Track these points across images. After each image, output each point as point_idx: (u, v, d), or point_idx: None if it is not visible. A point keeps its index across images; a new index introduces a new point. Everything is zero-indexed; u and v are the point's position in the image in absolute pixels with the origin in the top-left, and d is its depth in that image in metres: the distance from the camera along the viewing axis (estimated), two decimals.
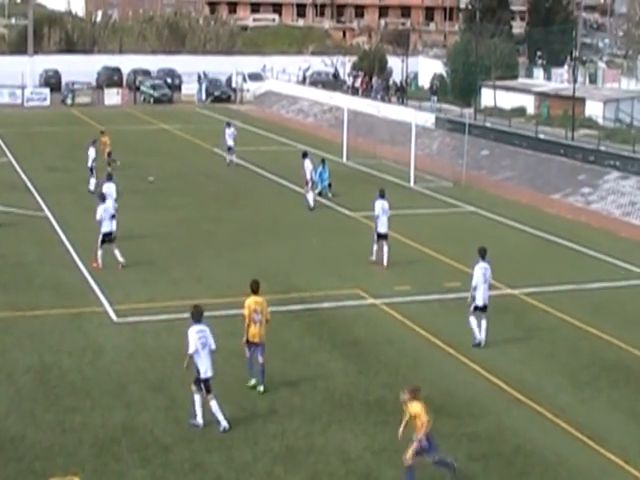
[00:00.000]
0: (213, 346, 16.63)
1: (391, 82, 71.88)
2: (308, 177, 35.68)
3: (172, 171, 43.44)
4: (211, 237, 31.05)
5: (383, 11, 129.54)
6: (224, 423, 16.51)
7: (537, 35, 77.02)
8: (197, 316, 16.78)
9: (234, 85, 78.73)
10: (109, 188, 29.90)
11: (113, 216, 27.59)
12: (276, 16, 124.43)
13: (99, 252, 26.55)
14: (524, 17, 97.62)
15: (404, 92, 67.62)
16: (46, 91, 72.76)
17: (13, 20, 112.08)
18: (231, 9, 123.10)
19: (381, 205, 27.60)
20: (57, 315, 22.66)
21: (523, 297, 25.09)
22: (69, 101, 72.01)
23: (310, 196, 35.52)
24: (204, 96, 75.95)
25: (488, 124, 51.37)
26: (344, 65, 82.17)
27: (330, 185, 38.35)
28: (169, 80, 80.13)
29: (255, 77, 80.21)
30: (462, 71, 66.15)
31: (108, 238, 26.71)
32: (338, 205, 36.49)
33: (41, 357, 19.94)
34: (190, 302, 19.22)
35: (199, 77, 78.40)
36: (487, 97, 63.11)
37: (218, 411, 16.56)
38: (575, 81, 55.07)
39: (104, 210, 26.71)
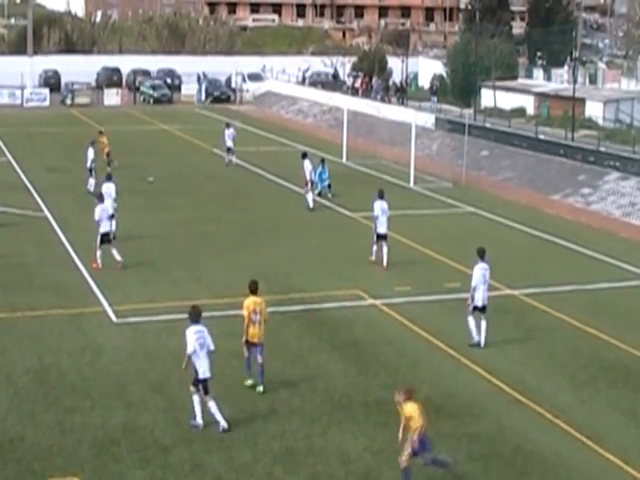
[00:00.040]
0: (212, 347, 16.63)
1: (391, 82, 71.90)
2: (308, 178, 35.68)
3: (172, 171, 43.43)
4: (211, 238, 31.04)
5: (383, 11, 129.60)
6: (223, 423, 16.51)
7: (537, 35, 77.03)
8: (195, 317, 16.78)
9: (234, 85, 78.70)
10: (108, 188, 29.86)
11: (112, 216, 27.59)
12: (276, 16, 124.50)
13: (98, 252, 26.54)
14: (524, 17, 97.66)
15: (404, 92, 67.64)
16: (45, 91, 72.73)
17: (12, 20, 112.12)
18: (231, 9, 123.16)
19: (380, 206, 27.59)
20: (57, 315, 22.65)
21: (523, 298, 25.08)
22: (69, 101, 71.97)
23: (310, 197, 35.51)
24: (204, 96, 75.93)
25: (488, 125, 51.37)
26: (344, 65, 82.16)
27: (330, 186, 38.34)
28: (169, 80, 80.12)
29: (255, 77, 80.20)
30: (462, 71, 66.14)
31: (107, 238, 26.71)
32: (338, 205, 36.48)
33: (40, 357, 19.93)
34: (190, 303, 19.22)
35: (199, 77, 78.40)
36: (487, 98, 63.13)
37: (217, 411, 16.55)
38: (575, 81, 55.08)
39: (102, 210, 26.70)
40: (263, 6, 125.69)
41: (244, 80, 78.84)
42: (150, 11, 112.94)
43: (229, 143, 45.03)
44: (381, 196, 27.91)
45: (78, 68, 77.43)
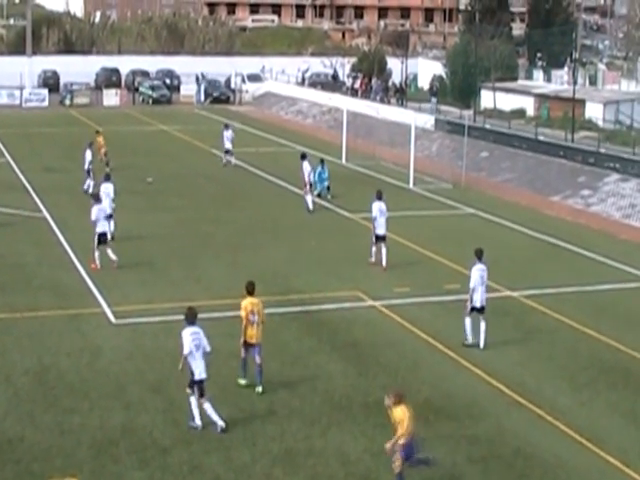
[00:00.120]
0: (208, 348, 16.60)
1: (390, 83, 71.84)
2: (307, 179, 35.64)
3: (171, 172, 43.39)
4: (210, 238, 31.00)
5: (382, 12, 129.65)
6: (220, 423, 16.47)
7: (537, 37, 77.01)
8: (191, 318, 16.77)
9: (233, 86, 78.66)
10: (107, 188, 29.81)
11: (110, 216, 27.51)
12: (275, 17, 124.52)
13: (96, 253, 26.50)
14: (524, 18, 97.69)
15: (403, 93, 67.60)
16: (44, 92, 72.69)
17: (12, 21, 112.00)
18: (230, 10, 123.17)
19: (378, 207, 27.55)
20: (55, 316, 22.62)
21: (522, 299, 25.05)
22: (67, 102, 71.92)
23: (309, 198, 35.45)
24: (203, 97, 75.87)
25: (488, 126, 51.33)
26: (343, 66, 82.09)
27: (329, 187, 38.29)
28: (168, 81, 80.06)
29: (254, 78, 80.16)
30: (462, 72, 66.07)
31: (104, 238, 26.68)
32: (337, 207, 36.45)
33: (39, 358, 19.90)
34: (189, 303, 19.21)
35: (197, 78, 78.39)
36: (487, 99, 63.08)
37: (213, 412, 16.52)
38: (575, 83, 55.09)
39: (99, 210, 26.68)
40: (262, 7, 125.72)
41: (243, 81, 78.82)
42: (149, 11, 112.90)
43: (228, 145, 44.97)
44: (379, 197, 27.86)
45: (77, 68, 77.42)
